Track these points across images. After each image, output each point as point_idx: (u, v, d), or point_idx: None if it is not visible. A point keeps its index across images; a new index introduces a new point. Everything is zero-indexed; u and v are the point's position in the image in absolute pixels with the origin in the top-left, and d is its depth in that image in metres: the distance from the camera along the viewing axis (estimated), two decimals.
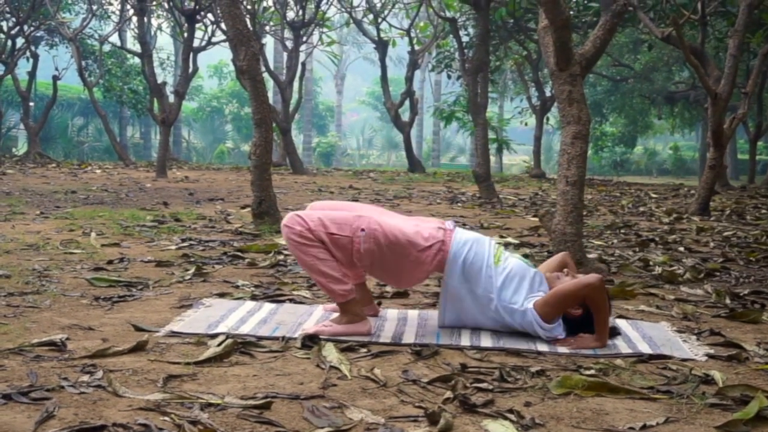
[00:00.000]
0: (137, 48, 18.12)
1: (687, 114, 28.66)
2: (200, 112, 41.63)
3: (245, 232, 6.51)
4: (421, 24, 20.62)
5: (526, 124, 24.65)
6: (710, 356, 3.14)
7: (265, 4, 18.57)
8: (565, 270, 3.51)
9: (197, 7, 15.63)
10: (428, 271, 3.40)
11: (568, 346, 3.20)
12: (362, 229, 3.29)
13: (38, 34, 21.87)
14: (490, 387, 2.65)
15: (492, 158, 17.44)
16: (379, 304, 3.85)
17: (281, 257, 5.30)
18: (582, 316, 3.30)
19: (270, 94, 18.27)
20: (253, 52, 6.80)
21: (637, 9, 11.28)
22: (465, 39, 17.08)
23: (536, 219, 7.82)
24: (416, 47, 19.05)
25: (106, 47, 22.29)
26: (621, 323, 3.62)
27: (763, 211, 10.34)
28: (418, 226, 3.39)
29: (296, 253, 3.31)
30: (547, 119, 20.58)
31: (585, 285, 3.22)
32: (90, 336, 3.18)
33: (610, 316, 3.39)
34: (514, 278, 3.34)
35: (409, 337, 3.26)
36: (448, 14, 16.58)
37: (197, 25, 16.81)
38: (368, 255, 3.30)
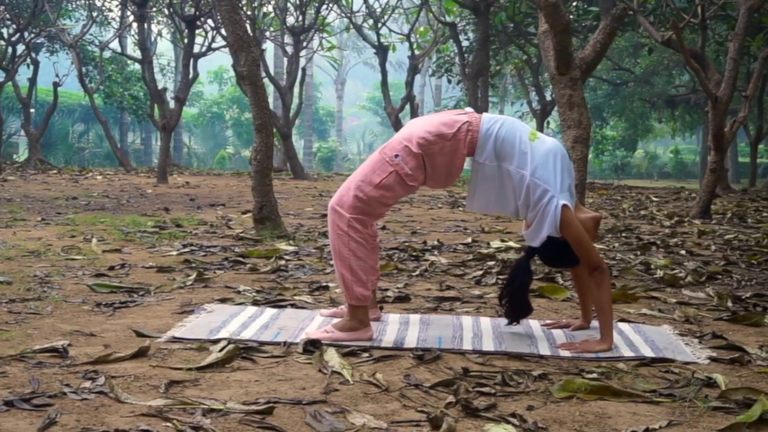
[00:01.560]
0: (137, 54, 18.16)
1: (687, 117, 28.70)
2: (201, 117, 41.67)
3: (246, 238, 6.51)
4: (421, 29, 20.67)
5: None
6: (712, 359, 3.14)
7: (265, 9, 18.60)
8: (598, 214, 3.48)
9: (197, 13, 15.66)
10: (463, 155, 3.26)
11: (573, 349, 3.20)
12: (396, 155, 3.25)
13: (39, 41, 21.90)
14: (493, 391, 2.65)
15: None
16: (381, 308, 3.84)
17: (282, 262, 5.30)
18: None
19: (270, 100, 18.26)
20: (253, 58, 6.81)
21: (637, 13, 11.29)
22: (465, 44, 17.13)
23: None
24: (416, 52, 19.07)
25: (107, 53, 22.34)
26: (623, 327, 3.62)
27: (765, 214, 10.34)
28: (439, 119, 3.32)
29: (336, 242, 3.28)
30: (548, 123, 20.62)
31: (597, 261, 3.22)
32: (92, 342, 3.17)
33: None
34: (550, 157, 3.22)
35: (411, 342, 3.26)
36: (448, 19, 16.62)
37: (197, 31, 16.84)
38: (418, 170, 3.24)
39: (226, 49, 17.10)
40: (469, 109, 3.41)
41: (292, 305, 4.00)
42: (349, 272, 3.26)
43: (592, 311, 3.60)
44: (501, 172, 3.24)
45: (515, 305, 3.41)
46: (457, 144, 3.24)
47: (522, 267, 3.44)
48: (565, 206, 3.19)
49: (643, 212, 10.25)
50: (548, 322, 3.64)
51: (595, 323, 3.60)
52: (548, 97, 19.10)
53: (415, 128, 3.30)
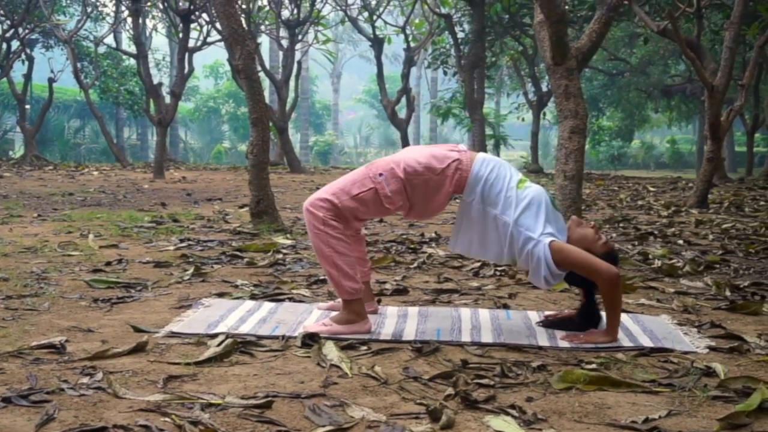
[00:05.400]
0: (133, 49, 18.12)
1: (684, 107, 28.69)
2: (197, 112, 41.60)
3: (244, 232, 6.50)
4: (417, 21, 20.62)
5: (523, 120, 24.66)
6: (711, 348, 3.14)
7: (260, 3, 18.55)
8: (593, 222, 3.47)
9: (192, 7, 15.61)
10: (449, 192, 3.29)
11: (578, 341, 3.19)
12: (380, 174, 3.26)
13: (33, 37, 21.82)
14: (492, 383, 2.65)
15: (489, 154, 17.42)
16: (379, 301, 3.84)
17: (280, 256, 5.29)
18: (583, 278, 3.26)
19: (266, 94, 18.25)
20: (248, 52, 6.79)
21: (633, 2, 11.27)
22: (461, 35, 17.10)
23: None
24: (412, 44, 19.04)
25: (102, 49, 22.29)
26: (622, 317, 3.61)
27: (762, 202, 10.34)
28: (430, 152, 3.33)
29: (316, 241, 3.28)
30: (544, 114, 20.58)
31: (605, 273, 3.15)
32: (89, 338, 3.17)
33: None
34: (533, 205, 3.23)
35: (409, 334, 3.26)
36: (443, 11, 16.58)
37: (192, 26, 16.78)
38: (398, 195, 3.26)
39: (222, 44, 17.14)
40: (462, 147, 3.42)
41: (290, 299, 4.00)
42: (335, 269, 3.26)
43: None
44: (486, 216, 3.27)
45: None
46: (444, 180, 3.26)
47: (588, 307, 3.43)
48: (552, 242, 3.19)
49: (640, 202, 10.25)
50: (549, 313, 3.64)
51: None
52: (544, 88, 19.07)
53: (407, 155, 3.33)
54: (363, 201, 3.26)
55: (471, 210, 3.29)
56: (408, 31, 19.08)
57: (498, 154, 27.53)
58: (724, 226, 7.48)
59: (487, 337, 3.23)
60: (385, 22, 19.75)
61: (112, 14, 22.01)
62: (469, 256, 3.32)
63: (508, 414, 2.35)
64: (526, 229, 3.20)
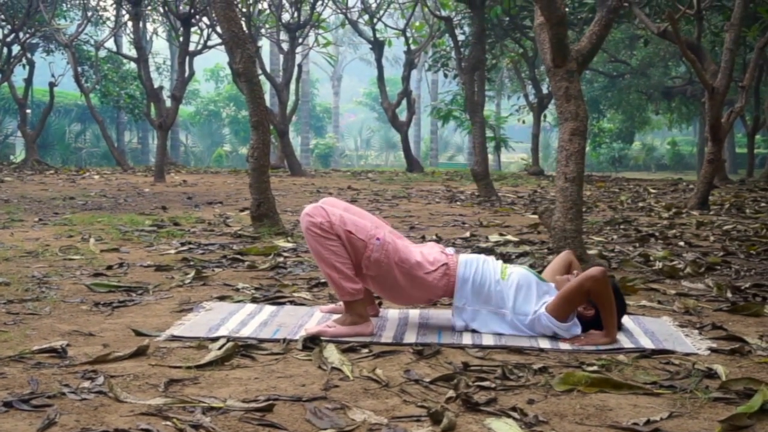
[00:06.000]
0: (133, 53, 18.14)
1: (684, 109, 28.67)
2: (197, 115, 41.62)
3: (244, 235, 6.50)
4: (417, 23, 20.63)
5: (523, 122, 24.66)
6: (713, 350, 3.14)
7: (260, 6, 18.57)
8: (575, 272, 3.52)
9: (192, 11, 15.62)
10: (438, 295, 3.45)
11: (578, 343, 3.19)
12: (377, 238, 3.32)
13: (34, 41, 21.84)
14: (493, 385, 2.65)
15: (490, 156, 17.41)
16: (380, 304, 3.84)
17: (281, 259, 5.30)
18: (595, 315, 3.31)
19: (267, 97, 18.26)
20: (249, 55, 6.80)
21: (633, 4, 11.28)
22: (461, 38, 17.09)
23: (536, 216, 7.82)
24: (412, 47, 19.05)
25: (102, 53, 22.29)
26: (623, 319, 3.61)
27: (762, 204, 10.33)
28: (422, 251, 3.45)
29: (314, 245, 3.30)
30: (545, 116, 20.59)
31: (587, 278, 3.21)
32: (90, 342, 3.17)
33: (624, 313, 3.43)
34: (522, 288, 3.38)
35: (410, 337, 3.26)
36: (444, 13, 16.58)
37: (193, 29, 16.78)
38: (376, 265, 3.32)
39: (222, 47, 17.15)
40: (450, 251, 3.53)
41: (291, 302, 4.00)
42: (334, 270, 3.28)
43: None
44: (484, 308, 3.38)
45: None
46: (431, 281, 3.37)
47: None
48: (546, 307, 3.30)
49: (641, 204, 10.25)
50: None
51: None
52: (545, 90, 19.06)
53: (407, 247, 3.43)
54: (350, 241, 3.31)
55: (466, 313, 3.40)
56: (408, 34, 19.10)
57: (499, 156, 27.59)
58: (725, 227, 7.47)
59: (488, 340, 3.23)
60: (386, 25, 19.77)
61: (113, 18, 22.07)
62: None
63: (509, 416, 2.35)
64: (523, 314, 3.34)
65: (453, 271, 3.39)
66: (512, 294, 3.36)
